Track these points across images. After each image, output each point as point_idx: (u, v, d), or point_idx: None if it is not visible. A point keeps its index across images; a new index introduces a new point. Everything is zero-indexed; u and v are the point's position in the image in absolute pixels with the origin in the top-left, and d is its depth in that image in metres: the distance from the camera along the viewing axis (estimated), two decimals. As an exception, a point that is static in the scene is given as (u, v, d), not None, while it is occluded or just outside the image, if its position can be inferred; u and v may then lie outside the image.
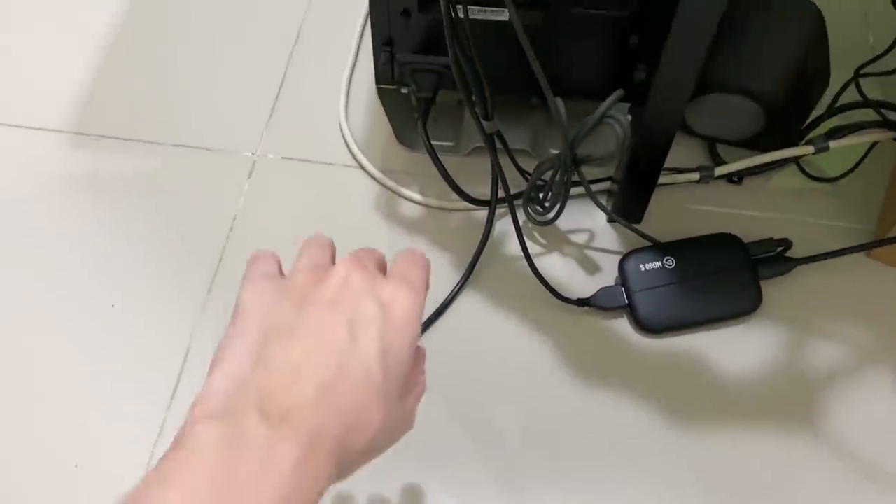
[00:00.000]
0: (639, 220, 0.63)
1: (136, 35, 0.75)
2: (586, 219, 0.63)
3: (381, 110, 0.65)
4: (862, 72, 0.63)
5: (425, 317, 0.57)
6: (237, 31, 0.75)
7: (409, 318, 0.33)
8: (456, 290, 0.59)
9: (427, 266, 0.37)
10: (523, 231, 0.62)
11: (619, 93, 0.50)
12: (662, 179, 0.64)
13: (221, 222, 0.62)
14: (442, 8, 0.48)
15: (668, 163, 0.57)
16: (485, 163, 0.56)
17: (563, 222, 0.63)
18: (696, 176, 0.63)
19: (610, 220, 0.63)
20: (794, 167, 0.67)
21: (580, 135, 0.52)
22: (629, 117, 0.50)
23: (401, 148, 0.66)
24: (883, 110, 0.63)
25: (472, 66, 0.51)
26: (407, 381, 0.34)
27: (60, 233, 0.63)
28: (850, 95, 0.66)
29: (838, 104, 0.65)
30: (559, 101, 0.52)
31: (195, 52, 0.73)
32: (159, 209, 0.64)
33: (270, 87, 0.71)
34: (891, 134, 0.62)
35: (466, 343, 0.57)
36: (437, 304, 0.58)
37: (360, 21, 0.74)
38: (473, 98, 0.52)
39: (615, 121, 0.49)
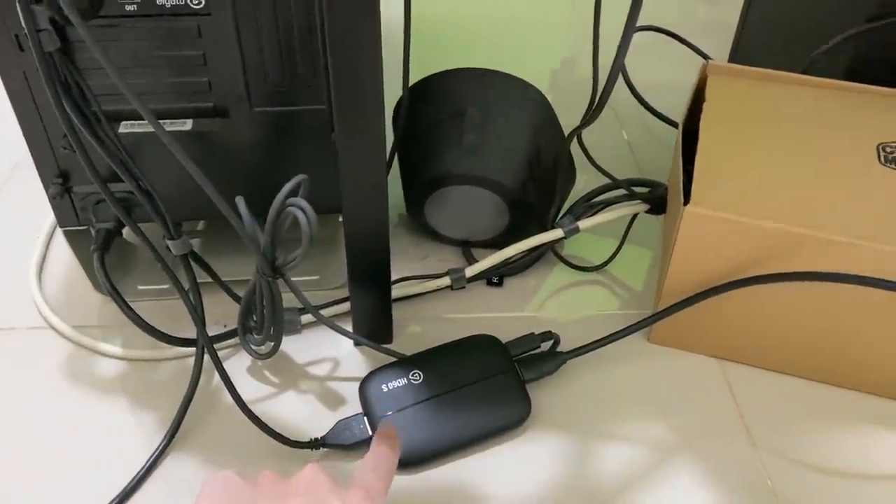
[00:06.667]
0: (388, 340, 0.54)
1: None
2: (329, 347, 0.53)
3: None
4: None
5: (116, 491, 0.44)
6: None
7: None
8: (156, 454, 0.46)
9: (391, 472, 0.38)
10: (251, 371, 0.52)
11: (301, 177, 0.42)
12: (413, 289, 0.56)
13: None
14: (61, 121, 0.40)
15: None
16: (207, 303, 0.46)
17: (302, 353, 0.53)
18: (447, 280, 0.56)
19: (357, 344, 0.54)
20: (560, 264, 0.61)
21: (268, 236, 0.43)
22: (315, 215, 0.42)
23: (106, 302, 0.56)
24: (635, 188, 0.59)
25: (139, 186, 0.43)
26: None
27: None
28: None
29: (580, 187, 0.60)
30: (240, 201, 0.44)
31: None
32: None
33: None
34: (642, 206, 0.57)
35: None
36: (131, 477, 0.45)
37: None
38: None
39: (296, 208, 0.41)
